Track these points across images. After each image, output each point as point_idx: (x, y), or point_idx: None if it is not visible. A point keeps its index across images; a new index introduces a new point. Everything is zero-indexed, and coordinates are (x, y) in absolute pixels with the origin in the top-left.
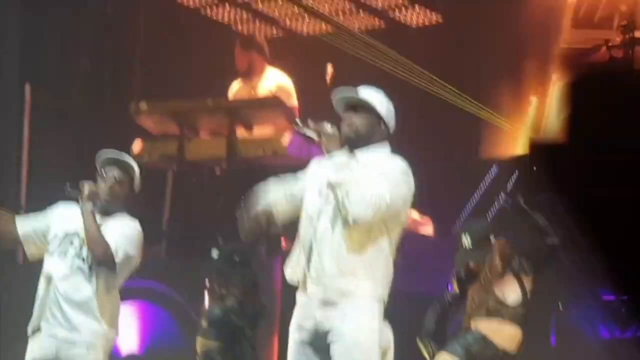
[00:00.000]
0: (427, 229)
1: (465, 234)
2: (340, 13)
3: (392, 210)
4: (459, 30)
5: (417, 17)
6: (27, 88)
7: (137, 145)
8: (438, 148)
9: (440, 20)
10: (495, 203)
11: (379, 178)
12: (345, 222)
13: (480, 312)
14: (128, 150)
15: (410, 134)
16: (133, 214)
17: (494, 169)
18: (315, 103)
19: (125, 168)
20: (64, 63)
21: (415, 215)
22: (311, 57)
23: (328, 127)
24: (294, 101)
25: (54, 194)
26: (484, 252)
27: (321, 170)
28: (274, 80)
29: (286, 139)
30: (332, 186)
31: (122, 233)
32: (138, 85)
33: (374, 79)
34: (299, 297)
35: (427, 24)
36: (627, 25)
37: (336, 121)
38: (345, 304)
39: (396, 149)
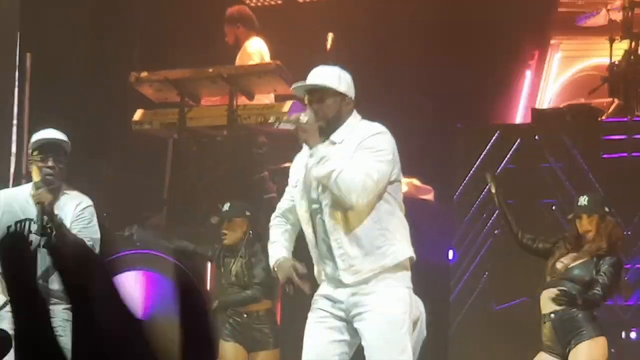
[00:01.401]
0: (428, 195)
1: (583, 195)
2: None
3: (382, 180)
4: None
5: None
6: (28, 57)
7: (138, 114)
8: (439, 115)
9: None
10: None
11: (360, 153)
12: (345, 205)
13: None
14: (130, 119)
15: (411, 102)
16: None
17: (495, 136)
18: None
19: (57, 144)
20: (65, 33)
21: (416, 182)
22: (309, 24)
23: (304, 118)
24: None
25: None
26: (595, 214)
27: (304, 169)
28: (253, 48)
29: (287, 105)
30: (321, 182)
31: (82, 220)
32: (138, 54)
33: (371, 46)
34: (326, 286)
35: None
36: None
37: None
38: (375, 283)
39: (397, 117)
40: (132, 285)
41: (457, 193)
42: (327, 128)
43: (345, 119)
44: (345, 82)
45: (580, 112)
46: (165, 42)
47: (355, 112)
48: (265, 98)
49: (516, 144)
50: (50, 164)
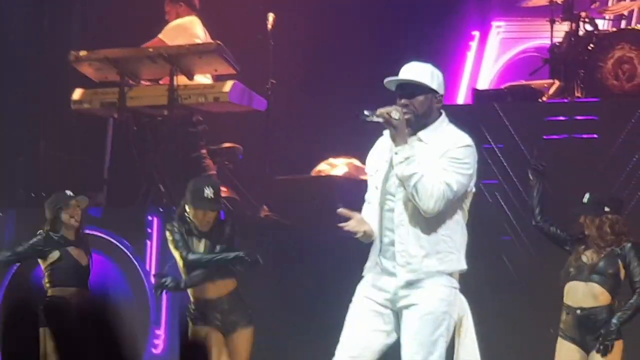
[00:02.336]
0: (365, 175)
1: (588, 193)
2: None
3: (460, 192)
4: None
5: None
6: None
7: (77, 93)
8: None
9: None
10: None
11: (443, 162)
12: (420, 209)
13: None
14: (69, 98)
15: (350, 81)
16: None
17: None
18: (252, 54)
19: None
20: (3, 10)
21: (356, 162)
22: (249, 4)
23: (395, 114)
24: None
25: None
26: (596, 214)
27: (383, 160)
28: (194, 28)
29: (227, 86)
30: (400, 181)
31: None
32: (77, 33)
33: (309, 26)
34: (371, 274)
35: None
36: None
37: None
38: (426, 280)
39: (335, 94)
40: None
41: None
42: (415, 124)
43: (434, 118)
44: (437, 79)
45: (521, 93)
46: (106, 20)
47: (444, 114)
48: (204, 78)
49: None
50: None
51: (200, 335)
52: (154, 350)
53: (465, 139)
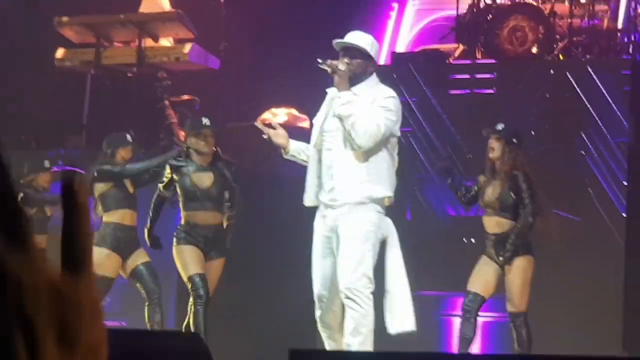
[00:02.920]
0: (304, 123)
1: (501, 123)
2: None
3: (387, 133)
4: None
5: None
6: None
7: (59, 52)
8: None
9: None
10: None
11: (374, 108)
12: (353, 146)
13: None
14: (52, 57)
15: (291, 46)
16: None
17: None
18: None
19: None
20: None
21: (295, 112)
22: None
23: (342, 66)
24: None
25: None
26: (504, 140)
27: (327, 110)
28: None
29: (187, 48)
30: (340, 118)
31: None
32: (60, 5)
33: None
34: (320, 208)
35: None
36: None
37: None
38: (357, 206)
39: (280, 57)
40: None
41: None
42: (352, 80)
43: (367, 77)
44: (375, 48)
45: (432, 56)
46: None
47: (374, 75)
48: (167, 41)
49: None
50: None
51: (180, 252)
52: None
53: (391, 92)
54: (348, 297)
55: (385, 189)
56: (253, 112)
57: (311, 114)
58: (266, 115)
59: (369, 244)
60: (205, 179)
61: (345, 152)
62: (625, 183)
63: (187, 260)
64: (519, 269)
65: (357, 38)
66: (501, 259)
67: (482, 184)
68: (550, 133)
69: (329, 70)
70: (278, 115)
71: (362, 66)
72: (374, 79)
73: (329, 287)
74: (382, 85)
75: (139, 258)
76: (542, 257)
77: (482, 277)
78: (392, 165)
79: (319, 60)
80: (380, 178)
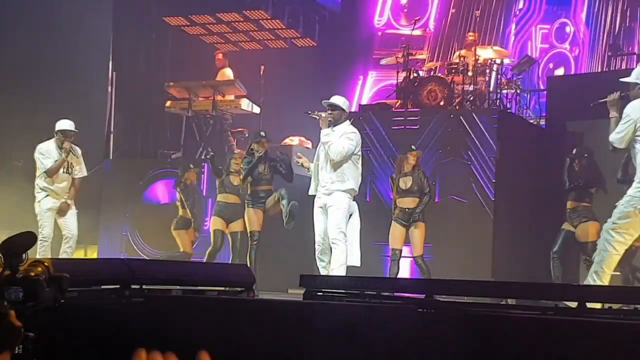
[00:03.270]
0: (309, 145)
1: (414, 146)
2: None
3: (350, 152)
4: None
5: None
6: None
7: (168, 103)
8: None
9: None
10: None
11: (342, 139)
12: (330, 160)
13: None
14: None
15: (295, 96)
16: None
17: None
18: (254, 85)
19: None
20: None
21: (303, 139)
22: (252, 61)
23: (323, 115)
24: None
25: None
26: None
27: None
28: (227, 72)
29: (240, 101)
30: (323, 144)
31: None
32: (169, 75)
33: (276, 73)
34: (318, 194)
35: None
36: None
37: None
38: (336, 193)
39: (289, 102)
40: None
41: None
42: (333, 122)
43: (342, 122)
44: (346, 105)
45: (382, 106)
46: (182, 66)
47: (347, 120)
48: (230, 97)
49: (350, 121)
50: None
51: (248, 213)
52: (205, 228)
53: (353, 129)
54: (333, 243)
55: (352, 184)
56: (279, 137)
57: (312, 140)
58: (287, 140)
59: (343, 214)
60: (262, 166)
61: (328, 163)
62: (494, 180)
63: (252, 220)
64: (419, 228)
65: (336, 99)
66: (411, 223)
67: (397, 178)
68: (451, 151)
69: (316, 117)
70: (293, 140)
71: (338, 115)
72: (346, 123)
73: (322, 237)
74: (350, 126)
75: (237, 226)
76: (441, 222)
77: (398, 236)
78: (356, 170)
79: (309, 112)
80: (348, 178)
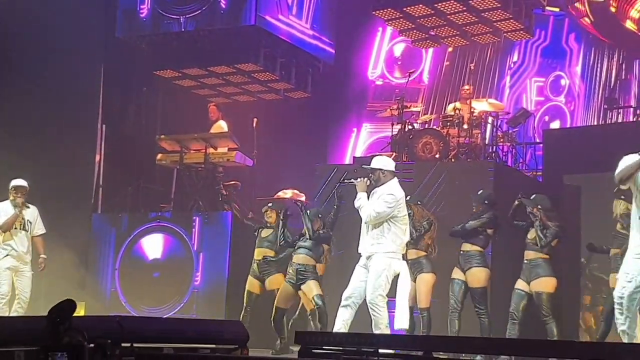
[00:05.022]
0: (302, 197)
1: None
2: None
3: (383, 214)
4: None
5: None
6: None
7: (159, 156)
8: (308, 157)
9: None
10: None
11: (378, 201)
12: (365, 223)
13: None
14: (154, 158)
15: (293, 152)
16: None
17: (335, 170)
18: (247, 137)
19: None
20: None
21: (297, 192)
22: (245, 113)
23: (360, 180)
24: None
25: None
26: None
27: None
28: (221, 125)
29: (233, 154)
30: (358, 208)
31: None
32: (159, 128)
33: (269, 123)
34: (361, 251)
35: (300, 97)
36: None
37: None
38: (375, 255)
39: (287, 157)
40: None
41: (317, 194)
42: (375, 184)
43: (385, 182)
44: (385, 164)
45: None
46: (173, 119)
47: (393, 179)
48: (222, 149)
49: (345, 173)
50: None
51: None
52: (195, 283)
53: (392, 189)
54: (371, 308)
55: (391, 247)
56: (272, 190)
57: (306, 193)
58: (280, 193)
59: (381, 277)
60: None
61: (366, 226)
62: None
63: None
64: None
65: (374, 161)
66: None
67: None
68: (446, 204)
69: (354, 183)
70: (287, 193)
71: (377, 176)
72: (388, 184)
73: (350, 293)
74: (389, 186)
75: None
76: (439, 275)
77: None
78: (398, 230)
79: (346, 181)
80: (387, 239)
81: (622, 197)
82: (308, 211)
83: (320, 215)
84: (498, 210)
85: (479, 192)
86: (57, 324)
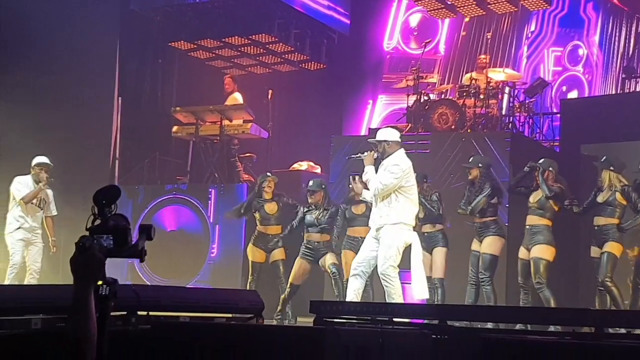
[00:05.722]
0: (317, 170)
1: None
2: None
3: (390, 185)
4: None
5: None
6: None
7: (174, 128)
8: (326, 129)
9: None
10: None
11: (385, 172)
12: (374, 195)
13: None
14: (170, 130)
15: (309, 123)
16: None
17: (350, 142)
18: (262, 109)
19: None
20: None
21: (312, 164)
22: (260, 85)
23: (366, 154)
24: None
25: None
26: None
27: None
28: (236, 97)
29: (249, 126)
30: (366, 182)
31: None
32: (175, 100)
33: (286, 94)
34: (371, 224)
35: (315, 68)
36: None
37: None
38: (385, 227)
39: (301, 127)
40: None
41: (331, 169)
42: (381, 157)
43: (391, 153)
44: (391, 136)
45: None
46: (189, 91)
47: (400, 149)
48: (238, 121)
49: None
50: None
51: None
52: (211, 255)
53: (398, 160)
54: (383, 279)
55: (399, 217)
56: (287, 163)
57: (321, 165)
58: (295, 165)
59: (392, 248)
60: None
61: (375, 198)
62: (507, 205)
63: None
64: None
65: (378, 134)
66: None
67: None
68: (462, 175)
69: (362, 158)
70: (302, 165)
71: (383, 148)
72: (394, 155)
73: (359, 262)
74: (395, 157)
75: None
76: (454, 247)
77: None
78: (406, 201)
79: (352, 156)
80: (396, 210)
81: (611, 168)
82: (303, 208)
83: (323, 186)
84: (491, 174)
85: (470, 159)
86: (103, 206)
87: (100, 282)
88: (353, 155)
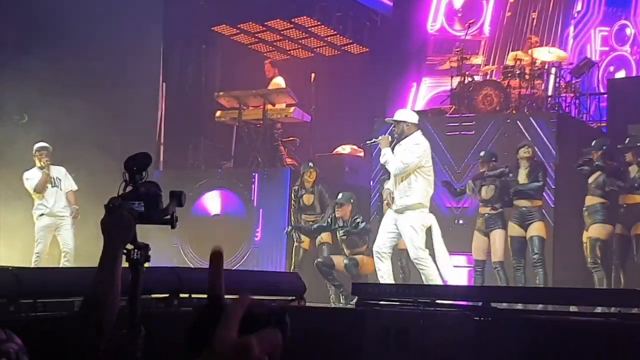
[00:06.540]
0: (361, 153)
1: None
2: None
3: (410, 165)
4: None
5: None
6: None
7: (218, 113)
8: (367, 112)
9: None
10: None
11: (405, 152)
12: (394, 175)
13: None
14: (214, 115)
15: (354, 105)
16: None
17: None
18: (304, 93)
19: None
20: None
21: (355, 147)
22: (302, 68)
23: (381, 137)
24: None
25: None
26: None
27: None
28: (278, 82)
29: (291, 110)
30: (384, 164)
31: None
32: (219, 85)
33: (327, 78)
34: (392, 206)
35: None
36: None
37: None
38: (406, 212)
39: (343, 110)
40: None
41: (374, 153)
42: (399, 137)
43: (409, 134)
44: (410, 117)
45: (436, 112)
46: (232, 76)
47: (417, 131)
48: (280, 105)
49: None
50: None
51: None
52: (255, 239)
53: (417, 140)
54: (417, 264)
55: (418, 198)
56: (330, 146)
57: (365, 149)
58: (338, 149)
59: (416, 232)
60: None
61: (394, 178)
62: (553, 187)
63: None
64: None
65: (397, 114)
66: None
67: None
68: (509, 156)
69: (377, 142)
70: (345, 148)
71: (401, 129)
72: (412, 135)
73: (379, 245)
74: (415, 137)
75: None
76: None
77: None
78: (424, 182)
79: (367, 142)
80: (415, 191)
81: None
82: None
83: (352, 200)
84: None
85: (482, 154)
86: (134, 173)
87: (131, 247)
88: (368, 142)
